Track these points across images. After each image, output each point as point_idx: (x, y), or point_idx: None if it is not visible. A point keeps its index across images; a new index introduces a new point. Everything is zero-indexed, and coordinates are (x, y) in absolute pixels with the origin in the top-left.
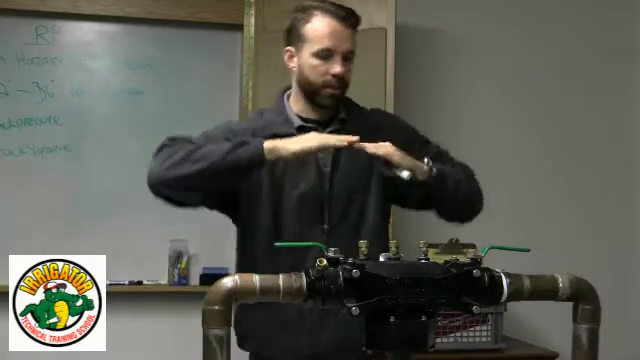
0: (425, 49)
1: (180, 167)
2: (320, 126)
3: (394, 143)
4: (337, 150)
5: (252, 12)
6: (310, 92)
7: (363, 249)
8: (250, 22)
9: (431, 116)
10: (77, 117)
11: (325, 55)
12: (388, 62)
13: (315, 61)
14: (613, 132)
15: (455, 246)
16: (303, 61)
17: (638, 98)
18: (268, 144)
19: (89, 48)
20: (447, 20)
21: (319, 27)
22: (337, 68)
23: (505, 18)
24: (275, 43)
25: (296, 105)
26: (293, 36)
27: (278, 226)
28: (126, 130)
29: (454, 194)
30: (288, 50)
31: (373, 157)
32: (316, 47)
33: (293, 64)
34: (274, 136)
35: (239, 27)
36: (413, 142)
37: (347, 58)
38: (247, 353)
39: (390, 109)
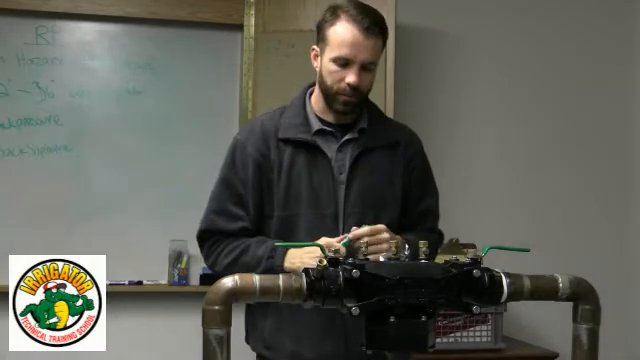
0: (425, 49)
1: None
2: (339, 131)
3: (404, 167)
4: (355, 161)
5: (252, 12)
6: (327, 96)
7: (363, 249)
8: (250, 22)
9: (431, 116)
10: (77, 117)
11: (342, 63)
12: (388, 62)
13: (333, 67)
14: (613, 132)
15: (455, 246)
16: (323, 64)
17: (638, 98)
18: (289, 267)
19: (89, 48)
20: (447, 20)
21: (340, 34)
22: (351, 78)
23: (505, 18)
24: (275, 43)
25: (317, 105)
26: (319, 36)
27: (292, 236)
28: (126, 130)
29: None
30: (314, 49)
31: (390, 172)
32: (334, 53)
33: (317, 63)
34: (287, 140)
35: (239, 27)
36: (416, 182)
37: (366, 68)
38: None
39: (390, 109)
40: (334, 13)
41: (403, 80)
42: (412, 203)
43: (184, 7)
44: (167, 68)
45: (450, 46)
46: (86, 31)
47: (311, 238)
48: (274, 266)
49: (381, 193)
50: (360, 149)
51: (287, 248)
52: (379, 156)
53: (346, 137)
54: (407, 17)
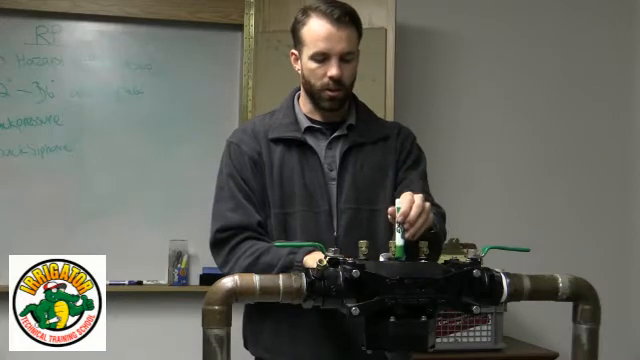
0: (425, 49)
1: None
2: (328, 129)
3: (397, 156)
4: (345, 157)
5: (252, 12)
6: (312, 95)
7: (363, 249)
8: (250, 22)
9: (431, 116)
10: (77, 117)
11: (321, 58)
12: (388, 62)
13: (313, 64)
14: (613, 132)
15: (455, 246)
16: (303, 64)
17: (638, 99)
18: (308, 261)
19: (89, 48)
20: (447, 20)
21: (313, 30)
22: (333, 71)
23: (505, 18)
24: (275, 43)
25: (305, 106)
26: (295, 39)
27: (289, 234)
28: (126, 130)
29: (435, 247)
30: (293, 53)
31: (382, 164)
32: (311, 51)
33: (298, 66)
34: (279, 139)
35: (239, 27)
36: (409, 168)
37: (345, 59)
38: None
39: (390, 109)
40: (305, 13)
41: (403, 80)
42: (398, 189)
43: (184, 7)
44: (167, 68)
45: (450, 46)
46: (86, 31)
47: (307, 235)
48: (294, 261)
49: (374, 187)
50: (349, 144)
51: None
52: (369, 150)
53: (335, 134)
54: (407, 17)
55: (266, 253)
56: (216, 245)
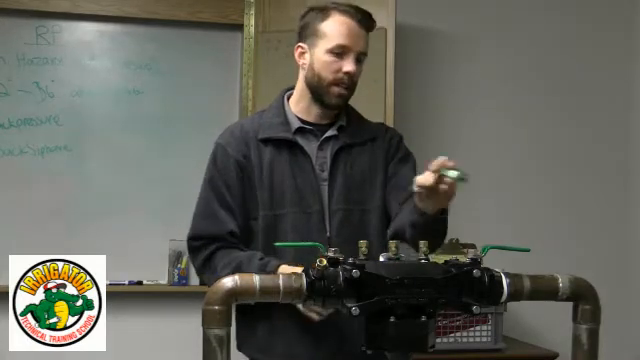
0: (425, 49)
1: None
2: (318, 130)
3: (385, 155)
4: (335, 157)
5: (252, 12)
6: (318, 90)
7: (363, 249)
8: (250, 22)
9: (431, 116)
10: (77, 117)
11: (340, 52)
12: (388, 62)
13: (329, 57)
14: (613, 132)
15: (455, 246)
16: (316, 57)
17: (638, 98)
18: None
19: (89, 48)
20: (447, 20)
21: (337, 24)
22: (350, 66)
23: (505, 18)
24: (275, 43)
25: (297, 106)
26: (307, 33)
27: (278, 236)
28: (126, 130)
29: (439, 235)
30: (300, 46)
31: (371, 164)
32: (332, 43)
33: (304, 61)
34: (269, 140)
35: (239, 27)
36: (400, 162)
37: (359, 59)
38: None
39: (390, 110)
40: (322, 10)
41: (403, 80)
42: (390, 183)
43: (184, 7)
44: (167, 68)
45: (450, 46)
46: (86, 31)
47: (298, 236)
48: (266, 271)
49: (364, 188)
50: (340, 145)
51: (279, 263)
52: (359, 152)
53: (326, 134)
54: (407, 17)
55: (239, 266)
56: (191, 251)
